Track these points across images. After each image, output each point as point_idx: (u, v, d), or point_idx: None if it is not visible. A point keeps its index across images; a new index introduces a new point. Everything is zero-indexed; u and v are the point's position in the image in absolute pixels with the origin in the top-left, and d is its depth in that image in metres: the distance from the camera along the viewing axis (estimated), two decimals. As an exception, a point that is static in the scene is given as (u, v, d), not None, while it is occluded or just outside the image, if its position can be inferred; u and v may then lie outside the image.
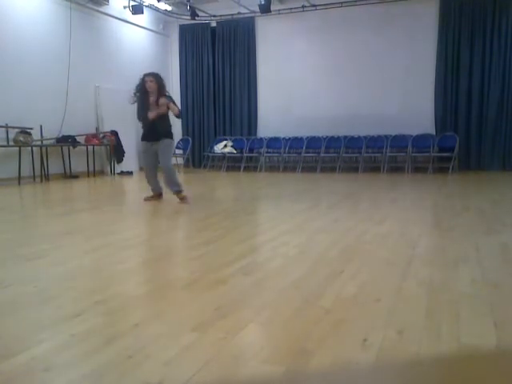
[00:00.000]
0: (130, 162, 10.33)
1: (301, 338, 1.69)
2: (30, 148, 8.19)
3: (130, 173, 9.96)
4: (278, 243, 3.27)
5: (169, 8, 11.18)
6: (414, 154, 9.64)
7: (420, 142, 9.68)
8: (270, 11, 9.93)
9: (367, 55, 10.31)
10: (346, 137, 10.20)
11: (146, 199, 5.60)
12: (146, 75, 5.32)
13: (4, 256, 3.00)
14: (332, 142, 10.33)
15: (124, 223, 4.37)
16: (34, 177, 8.36)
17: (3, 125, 7.74)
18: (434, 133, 9.84)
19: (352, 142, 10.17)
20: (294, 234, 3.63)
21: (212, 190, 7.48)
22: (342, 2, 10.04)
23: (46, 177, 8.51)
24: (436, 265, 2.65)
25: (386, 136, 9.90)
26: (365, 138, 10.04)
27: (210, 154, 11.05)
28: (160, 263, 2.85)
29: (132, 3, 10.43)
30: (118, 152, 9.93)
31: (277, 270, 2.58)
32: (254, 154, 11.04)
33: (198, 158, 11.85)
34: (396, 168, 9.78)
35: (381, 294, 2.15)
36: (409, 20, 9.94)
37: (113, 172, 9.95)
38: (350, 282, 2.32)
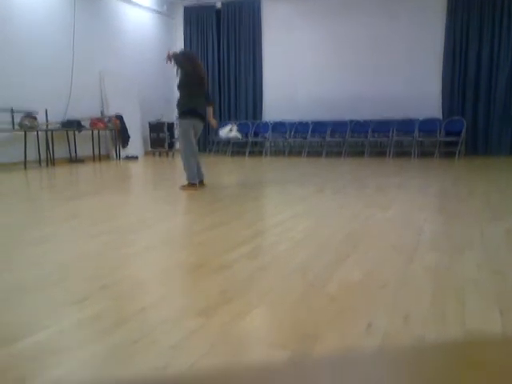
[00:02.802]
0: (135, 146, 10.31)
1: (306, 322, 1.69)
2: (35, 132, 8.19)
3: (135, 157, 9.96)
4: (283, 228, 3.28)
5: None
6: (420, 139, 9.56)
7: (427, 126, 9.60)
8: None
9: (374, 38, 10.16)
10: (351, 121, 10.13)
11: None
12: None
13: (9, 240, 3.02)
14: (338, 127, 10.25)
15: (128, 208, 4.38)
16: (40, 161, 8.38)
17: (8, 109, 7.73)
18: (441, 117, 9.74)
19: (358, 127, 10.10)
20: (300, 218, 3.63)
21: (217, 175, 7.47)
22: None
23: (51, 161, 8.52)
24: (441, 250, 2.64)
25: (392, 120, 9.81)
26: (371, 122, 9.96)
27: (215, 139, 11.02)
28: (165, 248, 2.87)
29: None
30: (123, 136, 9.92)
31: (282, 255, 2.58)
32: (259, 139, 10.98)
33: (203, 142, 11.81)
34: (402, 152, 9.72)
35: (386, 279, 2.15)
36: (416, 3, 9.76)
37: (118, 156, 9.96)
38: (356, 268, 2.32)
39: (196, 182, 5.14)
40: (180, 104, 5.08)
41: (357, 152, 10.09)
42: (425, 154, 9.57)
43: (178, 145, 5.16)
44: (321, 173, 7.48)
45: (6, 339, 1.57)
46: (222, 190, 5.53)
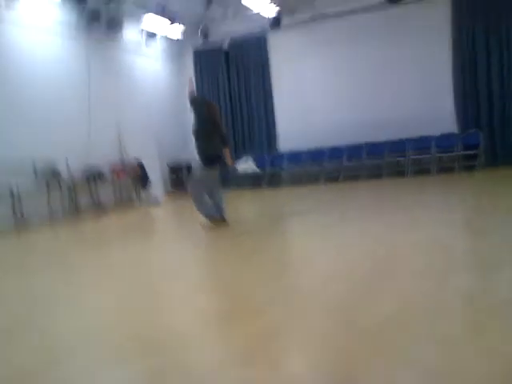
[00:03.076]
0: (156, 188, 10.47)
1: (347, 363, 1.68)
2: (58, 185, 8.41)
3: (157, 201, 10.00)
4: (309, 262, 3.28)
5: (180, 37, 11.36)
6: (438, 155, 9.49)
7: (443, 141, 9.54)
8: (279, 27, 10.07)
9: (382, 60, 10.28)
10: (367, 144, 10.15)
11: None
12: None
13: (49, 296, 3.08)
14: (354, 151, 10.27)
15: (155, 256, 4.43)
16: (65, 213, 8.57)
17: (30, 161, 7.90)
18: (457, 131, 9.69)
19: (374, 149, 10.10)
20: (325, 250, 3.63)
21: (238, 209, 7.53)
22: (352, 10, 10.10)
23: (76, 212, 8.71)
24: (472, 271, 2.60)
25: (407, 139, 9.79)
26: (386, 143, 9.96)
27: (233, 174, 11.13)
28: (196, 295, 2.89)
29: (145, 35, 10.76)
30: (143, 180, 10.11)
31: (313, 292, 2.58)
32: (275, 170, 11.04)
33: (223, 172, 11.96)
34: (421, 170, 9.64)
35: (418, 306, 2.13)
36: (421, 21, 9.88)
37: (140, 201, 10.10)
38: (387, 299, 2.30)
39: (213, 214, 5.18)
40: (200, 151, 5.16)
41: (374, 174, 10.03)
42: (444, 169, 9.46)
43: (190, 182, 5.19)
44: (340, 199, 7.47)
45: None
46: (243, 225, 5.56)
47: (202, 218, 5.25)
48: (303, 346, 1.89)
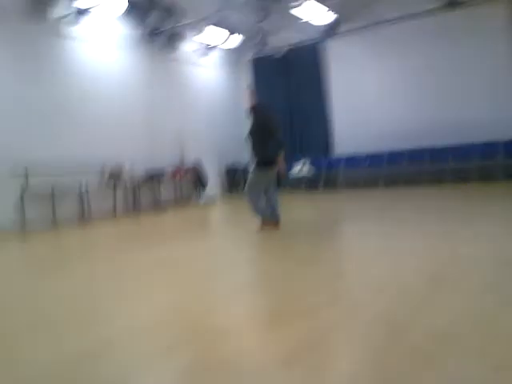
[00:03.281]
0: (213, 189, 10.74)
1: (391, 379, 1.67)
2: (123, 185, 8.88)
3: (213, 201, 10.30)
4: (362, 270, 3.24)
5: (236, 44, 11.53)
6: (506, 161, 8.99)
7: (510, 147, 9.03)
8: (334, 34, 10.03)
9: (444, 63, 9.93)
10: (429, 148, 9.82)
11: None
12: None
13: (101, 292, 3.27)
14: (414, 155, 9.97)
15: (208, 253, 4.55)
16: (128, 210, 9.02)
17: (100, 165, 8.49)
18: (526, 136, 9.14)
19: (436, 153, 9.74)
20: (379, 259, 3.56)
21: (292, 213, 7.54)
22: (411, 14, 9.83)
23: (138, 209, 9.14)
24: (535, 290, 2.47)
25: (473, 144, 9.36)
26: (450, 148, 9.58)
27: (289, 175, 11.16)
28: (244, 295, 2.94)
29: (202, 48, 11.13)
30: (201, 181, 10.40)
31: (363, 301, 2.55)
32: (332, 173, 10.94)
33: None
34: (486, 177, 9.17)
35: (473, 326, 2.06)
36: (483, 22, 9.44)
37: (197, 200, 10.41)
38: (440, 313, 2.24)
39: (268, 216, 5.22)
40: (255, 153, 5.23)
41: (436, 180, 9.68)
42: (510, 176, 8.94)
43: (248, 190, 5.25)
44: (398, 205, 7.28)
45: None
46: (297, 230, 5.55)
47: (256, 220, 5.32)
48: (348, 354, 1.89)
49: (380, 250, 3.88)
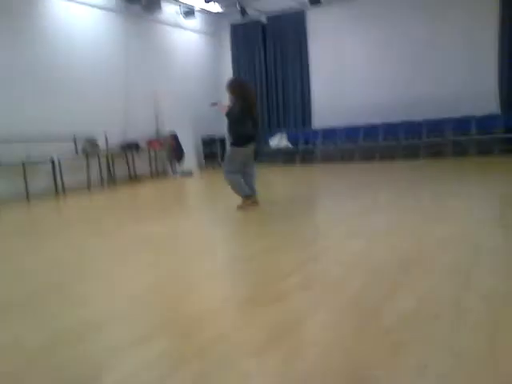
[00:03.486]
0: (190, 161, 10.64)
1: (360, 363, 1.72)
2: (97, 157, 8.70)
3: (190, 173, 10.24)
4: (335, 251, 3.30)
5: (219, 10, 11.25)
6: (478, 137, 9.16)
7: (485, 123, 9.20)
8: (320, 2, 9.81)
9: (424, 36, 9.91)
10: (404, 122, 9.90)
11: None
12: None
13: (80, 270, 3.25)
14: (390, 129, 10.06)
15: (183, 232, 4.55)
16: (102, 182, 8.88)
17: (71, 136, 8.26)
18: (499, 112, 9.30)
19: (412, 128, 9.85)
20: (352, 238, 3.63)
21: (268, 187, 7.56)
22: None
23: (113, 181, 9.01)
24: (500, 274, 2.56)
25: (447, 119, 9.48)
26: (425, 122, 9.69)
27: (265, 149, 11.14)
28: (218, 278, 2.97)
29: (183, 8, 10.69)
30: (177, 153, 10.28)
31: (335, 284, 2.61)
32: (308, 147, 10.96)
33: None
34: (460, 152, 9.35)
35: (440, 309, 2.13)
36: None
37: (174, 172, 10.32)
38: (410, 296, 2.30)
39: (248, 193, 5.23)
40: (231, 131, 5.21)
41: (411, 154, 9.83)
42: (483, 152, 9.15)
43: (226, 168, 5.23)
44: (373, 181, 7.38)
45: (77, 381, 1.73)
46: (273, 206, 5.59)
47: (237, 198, 5.31)
48: (319, 339, 1.94)
49: (353, 230, 3.95)
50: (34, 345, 2.08)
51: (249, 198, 5.20)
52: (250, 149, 5.21)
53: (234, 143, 5.15)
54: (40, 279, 3.13)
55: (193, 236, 4.29)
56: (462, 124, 9.35)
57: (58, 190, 7.96)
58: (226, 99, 5.47)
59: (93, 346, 2.05)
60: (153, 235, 4.33)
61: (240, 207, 5.20)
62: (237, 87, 5.28)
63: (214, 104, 5.73)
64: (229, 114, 5.21)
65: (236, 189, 5.21)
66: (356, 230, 3.93)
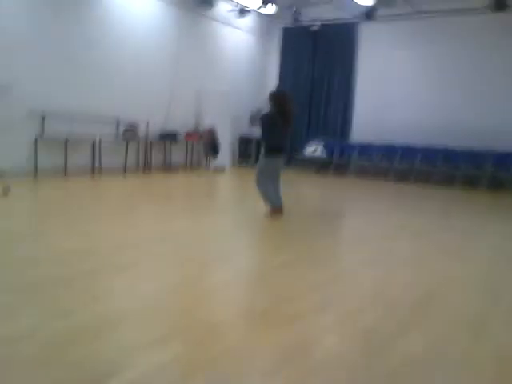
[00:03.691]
0: (224, 157, 10.79)
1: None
2: (136, 142, 8.95)
3: (223, 169, 10.39)
4: (352, 278, 3.34)
5: (272, 12, 11.27)
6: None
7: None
8: (371, 17, 9.76)
9: (475, 67, 9.70)
10: (444, 149, 9.76)
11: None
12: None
13: (99, 265, 3.41)
14: (428, 153, 9.92)
15: (209, 234, 4.67)
16: (138, 168, 9.14)
17: (114, 121, 8.53)
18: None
19: (450, 155, 9.69)
20: (371, 266, 3.66)
21: (297, 197, 7.62)
22: (451, 10, 9.54)
23: (148, 168, 9.25)
24: (514, 329, 2.56)
25: (487, 151, 9.28)
26: (464, 152, 9.53)
27: (300, 156, 11.18)
28: (237, 288, 3.07)
29: (237, 7, 10.82)
30: (214, 148, 10.43)
31: (347, 313, 2.66)
32: (343, 159, 10.89)
33: (288, 158, 12.02)
34: (498, 186, 9.12)
35: (447, 357, 2.16)
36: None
37: (208, 166, 10.49)
38: (418, 339, 2.34)
39: (279, 204, 5.30)
40: (264, 140, 5.28)
41: (447, 181, 9.64)
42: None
43: (259, 177, 5.30)
44: (405, 204, 7.33)
45: (93, 380, 1.85)
46: (298, 218, 5.64)
47: (265, 207, 5.38)
48: (324, 370, 2.01)
49: (374, 257, 3.96)
50: (47, 340, 2.23)
51: (278, 208, 5.28)
52: (281, 160, 5.29)
53: (267, 154, 5.22)
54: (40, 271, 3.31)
55: (214, 239, 4.40)
56: (502, 159, 9.13)
57: (95, 169, 8.24)
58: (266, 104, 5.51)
59: (109, 343, 2.17)
60: (174, 233, 4.47)
61: (267, 215, 5.29)
62: (275, 94, 5.38)
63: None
64: (262, 118, 5.30)
65: (268, 198, 5.29)
66: (375, 258, 3.94)
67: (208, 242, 4.24)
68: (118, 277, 3.08)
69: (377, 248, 4.27)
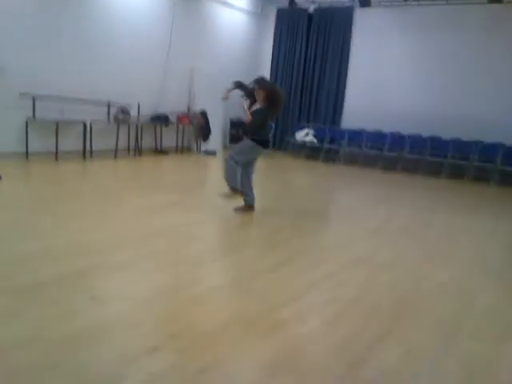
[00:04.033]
0: (215, 140, 10.80)
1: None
2: (127, 125, 8.93)
3: (213, 153, 10.43)
4: (337, 279, 3.47)
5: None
6: (502, 167, 9.07)
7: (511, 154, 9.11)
8: (370, 5, 9.69)
9: (471, 56, 9.75)
10: (432, 138, 9.88)
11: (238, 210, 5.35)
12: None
13: (92, 261, 3.51)
14: (416, 143, 10.03)
15: (194, 230, 4.77)
16: (129, 151, 9.14)
17: (105, 102, 8.48)
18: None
19: (438, 145, 9.82)
20: (355, 268, 3.79)
21: (284, 188, 7.71)
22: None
23: (139, 151, 9.26)
24: (486, 338, 2.71)
25: (475, 142, 9.42)
26: (452, 142, 9.66)
27: (291, 141, 11.24)
28: (223, 294, 3.19)
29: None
30: (205, 131, 10.44)
31: (330, 321, 2.79)
32: (333, 147, 10.97)
33: (279, 141, 12.08)
34: (481, 178, 9.29)
35: (421, 368, 2.32)
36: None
37: (199, 149, 10.52)
38: (395, 349, 2.49)
39: (253, 203, 5.33)
40: (254, 129, 5.22)
41: (434, 171, 9.77)
42: (506, 182, 9.07)
43: (234, 155, 5.28)
44: (391, 196, 7.47)
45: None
46: (283, 217, 5.75)
47: (226, 188, 5.34)
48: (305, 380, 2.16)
49: (358, 257, 4.08)
50: (51, 341, 2.34)
51: (252, 206, 5.36)
52: (265, 151, 5.35)
53: (257, 141, 5.20)
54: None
55: (201, 236, 4.50)
56: (488, 151, 9.27)
57: (86, 152, 8.23)
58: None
59: (105, 353, 2.29)
60: (158, 228, 4.56)
61: (237, 210, 5.29)
62: (271, 91, 5.35)
63: (225, 99, 5.73)
64: (259, 113, 5.28)
65: (245, 190, 5.26)
66: (361, 257, 4.08)
67: (193, 240, 4.34)
68: (106, 278, 3.19)
69: (363, 247, 4.40)
